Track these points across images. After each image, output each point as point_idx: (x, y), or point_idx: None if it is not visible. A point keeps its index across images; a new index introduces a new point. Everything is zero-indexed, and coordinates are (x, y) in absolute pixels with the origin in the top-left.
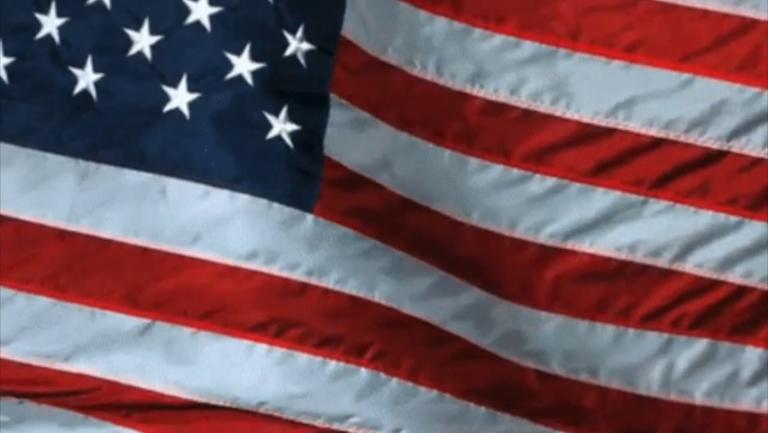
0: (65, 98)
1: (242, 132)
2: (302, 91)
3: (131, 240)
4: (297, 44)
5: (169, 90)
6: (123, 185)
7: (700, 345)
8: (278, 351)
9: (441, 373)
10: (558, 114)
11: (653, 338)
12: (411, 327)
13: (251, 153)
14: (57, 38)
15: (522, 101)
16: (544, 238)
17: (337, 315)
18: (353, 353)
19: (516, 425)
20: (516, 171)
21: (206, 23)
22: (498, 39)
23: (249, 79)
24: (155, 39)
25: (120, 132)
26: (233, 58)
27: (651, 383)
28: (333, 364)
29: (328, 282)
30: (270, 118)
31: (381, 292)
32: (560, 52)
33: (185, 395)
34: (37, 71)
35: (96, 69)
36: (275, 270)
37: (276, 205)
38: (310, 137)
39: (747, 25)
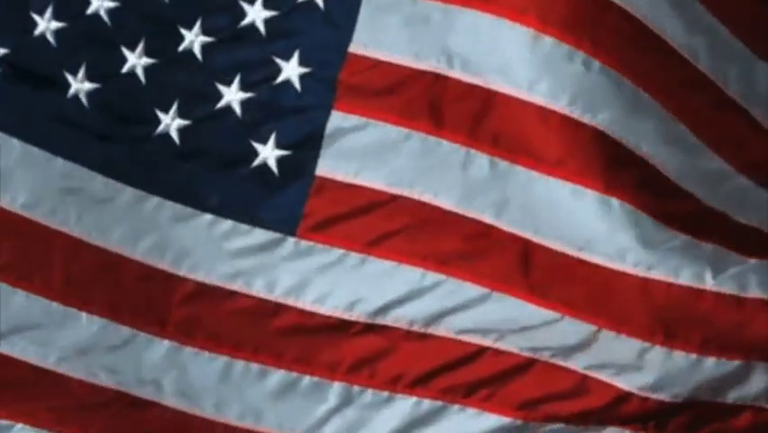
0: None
1: (228, 160)
2: (296, 116)
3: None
4: (290, 70)
5: (161, 114)
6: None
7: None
8: None
9: None
10: None
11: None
12: None
13: (234, 182)
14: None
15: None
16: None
17: None
18: None
19: None
20: None
21: (198, 53)
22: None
23: (237, 109)
24: (149, 61)
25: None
26: (222, 88)
27: None
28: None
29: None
30: (258, 146)
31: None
32: None
33: None
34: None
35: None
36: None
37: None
38: (300, 161)
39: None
